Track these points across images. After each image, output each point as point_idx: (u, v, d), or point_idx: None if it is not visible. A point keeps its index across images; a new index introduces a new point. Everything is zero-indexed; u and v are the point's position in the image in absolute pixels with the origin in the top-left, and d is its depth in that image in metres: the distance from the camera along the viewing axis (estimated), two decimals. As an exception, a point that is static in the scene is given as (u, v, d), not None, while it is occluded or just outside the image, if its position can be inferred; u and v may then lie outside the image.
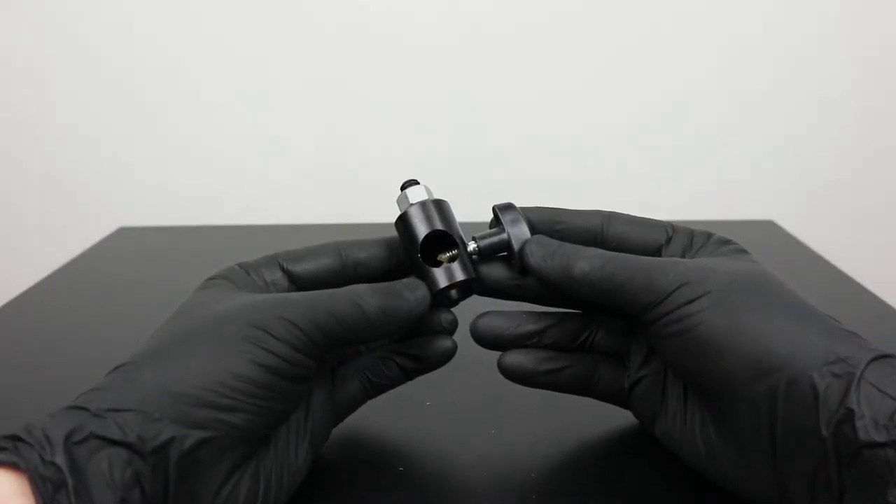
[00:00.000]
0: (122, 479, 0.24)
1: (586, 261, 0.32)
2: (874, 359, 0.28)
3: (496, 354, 0.36)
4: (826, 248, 0.67)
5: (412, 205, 0.35)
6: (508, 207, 0.36)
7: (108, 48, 0.82)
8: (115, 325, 0.52)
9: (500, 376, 0.36)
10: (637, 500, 0.34)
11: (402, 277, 0.35)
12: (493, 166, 0.85)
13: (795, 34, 0.83)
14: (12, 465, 0.23)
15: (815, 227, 0.81)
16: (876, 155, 0.87)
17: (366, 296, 0.31)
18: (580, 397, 0.37)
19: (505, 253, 0.35)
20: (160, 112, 0.84)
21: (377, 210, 0.81)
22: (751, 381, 0.29)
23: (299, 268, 0.35)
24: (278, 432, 0.31)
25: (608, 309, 0.34)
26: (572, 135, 0.85)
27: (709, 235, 0.36)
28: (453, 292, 0.35)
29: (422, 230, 0.34)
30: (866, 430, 0.26)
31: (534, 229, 0.35)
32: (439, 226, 0.34)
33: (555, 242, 0.34)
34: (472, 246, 0.35)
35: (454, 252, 0.35)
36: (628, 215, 0.37)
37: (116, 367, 0.28)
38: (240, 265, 0.34)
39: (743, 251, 0.35)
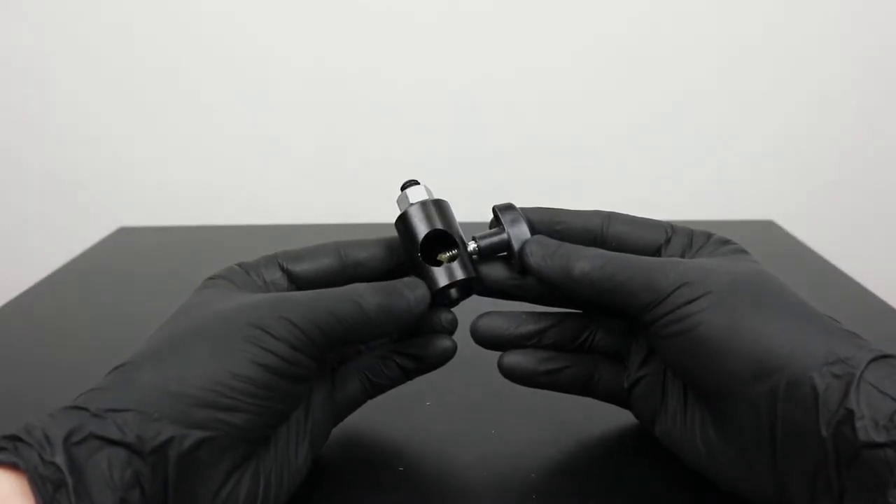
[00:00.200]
0: (122, 479, 0.24)
1: (586, 261, 0.32)
2: (874, 359, 0.28)
3: (496, 354, 0.36)
4: (826, 248, 0.67)
5: (412, 204, 0.35)
6: (508, 208, 0.36)
7: (108, 48, 0.82)
8: (114, 325, 0.52)
9: (501, 376, 0.36)
10: (637, 500, 0.33)
11: (402, 277, 0.35)
12: (493, 166, 0.85)
13: (795, 34, 0.83)
14: (12, 466, 0.23)
15: (815, 227, 0.81)
16: (876, 155, 0.87)
17: (365, 294, 0.31)
18: (580, 397, 0.37)
19: (505, 253, 0.35)
20: (160, 112, 0.84)
21: (377, 210, 0.81)
22: (751, 382, 0.29)
23: (299, 268, 0.35)
24: (278, 432, 0.31)
25: (608, 309, 0.34)
26: (572, 135, 0.85)
27: (708, 235, 0.36)
28: (453, 291, 0.35)
29: (422, 229, 0.34)
30: (866, 430, 0.26)
31: (534, 229, 0.35)
32: (439, 225, 0.34)
33: (554, 242, 0.34)
34: (471, 246, 0.35)
35: (454, 252, 0.35)
36: (628, 215, 0.37)
37: (116, 368, 0.28)
38: (239, 265, 0.34)
39: (743, 251, 0.35)
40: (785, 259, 0.63)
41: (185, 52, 0.82)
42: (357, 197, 0.87)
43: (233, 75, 0.83)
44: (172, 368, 0.27)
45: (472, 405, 0.41)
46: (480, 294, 0.36)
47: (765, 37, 0.83)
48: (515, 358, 0.36)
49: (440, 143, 0.85)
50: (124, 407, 0.26)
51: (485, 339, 0.36)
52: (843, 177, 0.87)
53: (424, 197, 0.35)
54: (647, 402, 0.36)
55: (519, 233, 0.35)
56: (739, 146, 0.86)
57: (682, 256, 0.35)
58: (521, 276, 0.35)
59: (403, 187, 0.36)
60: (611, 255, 0.33)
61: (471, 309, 0.36)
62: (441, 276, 0.34)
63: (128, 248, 0.69)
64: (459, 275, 0.34)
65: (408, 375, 0.36)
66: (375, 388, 0.36)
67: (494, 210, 0.36)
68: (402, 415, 0.40)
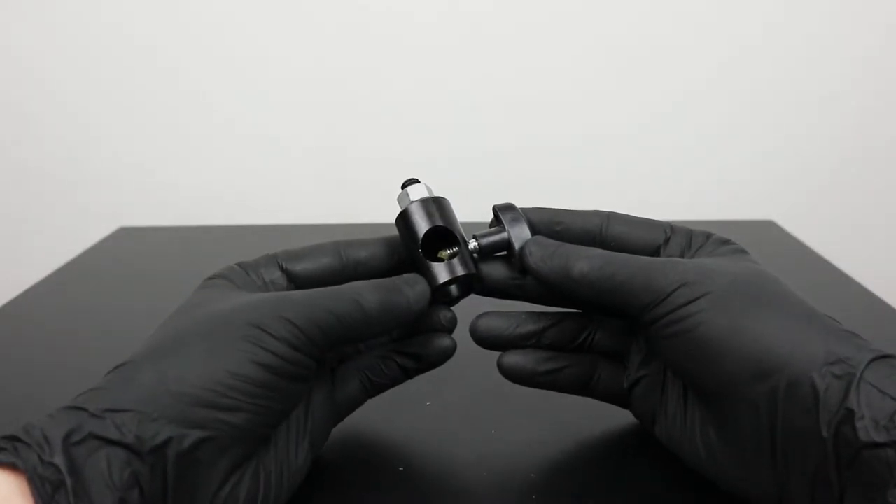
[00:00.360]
0: (121, 480, 0.24)
1: (585, 261, 0.32)
2: (874, 359, 0.28)
3: (496, 354, 0.36)
4: (826, 248, 0.67)
5: (413, 202, 0.35)
6: (509, 207, 0.36)
7: (108, 48, 0.82)
8: (114, 325, 0.52)
9: (501, 376, 0.36)
10: (637, 500, 0.33)
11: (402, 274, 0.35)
12: (493, 166, 0.85)
13: (795, 34, 0.83)
14: (11, 466, 0.23)
15: (815, 227, 0.81)
16: (876, 155, 0.87)
17: (365, 292, 0.31)
18: (580, 397, 0.37)
19: (504, 252, 0.35)
20: (160, 112, 0.84)
21: (377, 210, 0.81)
22: (751, 382, 0.29)
23: (298, 267, 0.35)
24: (278, 432, 0.31)
25: (608, 309, 0.34)
26: (572, 135, 0.85)
27: (707, 235, 0.36)
28: (453, 289, 0.35)
29: (423, 226, 0.34)
30: (866, 430, 0.26)
31: (534, 230, 0.35)
32: (440, 222, 0.34)
33: (554, 243, 0.34)
34: (472, 244, 0.35)
35: (455, 249, 0.35)
36: (627, 215, 0.36)
37: (115, 368, 0.28)
38: (239, 265, 0.34)
39: (742, 251, 0.35)
40: (785, 259, 0.63)
41: (185, 53, 0.82)
42: (357, 197, 0.87)
43: (233, 75, 0.83)
44: (172, 368, 0.27)
45: (472, 405, 0.41)
46: (480, 294, 0.36)
47: (765, 37, 0.83)
48: (515, 358, 0.36)
49: (440, 143, 0.85)
50: (123, 407, 0.26)
51: (484, 340, 0.36)
52: (843, 177, 0.87)
53: (425, 195, 0.35)
54: (647, 402, 0.36)
55: (519, 232, 0.35)
56: (739, 146, 0.86)
57: (681, 256, 0.35)
58: (521, 275, 0.35)
59: (404, 185, 0.36)
60: (610, 256, 0.33)
61: (470, 309, 0.36)
62: (442, 272, 0.34)
63: (128, 248, 0.69)
64: (460, 271, 0.34)
65: (408, 374, 0.36)
66: (375, 388, 0.36)
67: (495, 209, 0.36)
68: (402, 415, 0.40)
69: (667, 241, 0.35)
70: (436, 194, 0.36)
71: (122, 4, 0.81)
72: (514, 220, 0.35)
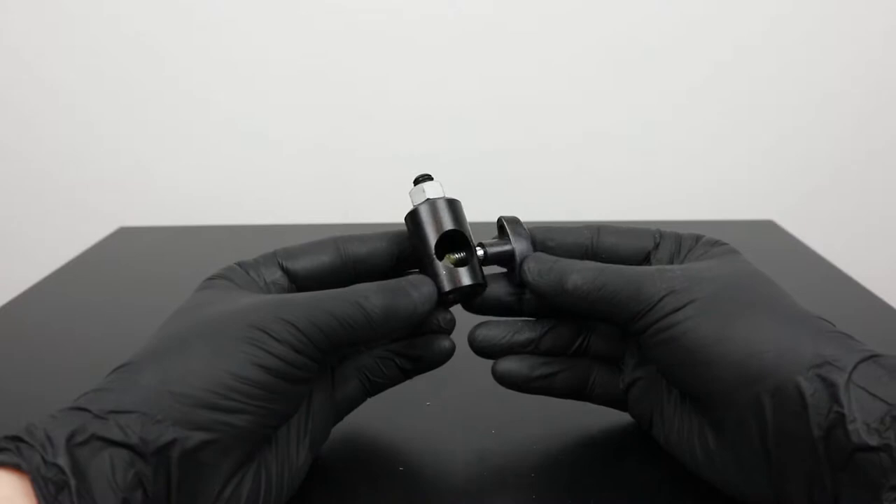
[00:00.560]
0: (125, 481, 0.24)
1: (578, 274, 0.33)
2: (862, 360, 0.27)
3: (496, 355, 0.36)
4: (826, 248, 0.67)
5: (430, 199, 0.34)
6: (515, 221, 0.36)
7: (108, 49, 0.82)
8: (115, 325, 0.52)
9: (500, 376, 0.36)
10: (637, 500, 0.34)
11: (403, 271, 0.35)
12: (492, 166, 0.85)
13: (795, 34, 0.83)
14: (14, 467, 0.23)
15: (815, 227, 0.81)
16: (876, 155, 0.87)
17: (370, 295, 0.31)
18: (580, 397, 0.37)
19: (506, 265, 0.36)
20: (160, 112, 0.84)
21: (377, 210, 0.82)
22: (739, 388, 0.29)
23: (298, 266, 0.34)
24: (279, 432, 0.31)
25: (603, 321, 0.35)
26: (572, 135, 0.85)
27: (697, 238, 0.36)
28: (456, 294, 0.35)
29: (439, 228, 0.34)
30: (858, 433, 0.26)
31: (535, 247, 0.36)
32: (456, 226, 0.34)
33: (551, 258, 0.34)
34: (479, 252, 0.35)
35: (463, 255, 0.34)
36: (616, 226, 0.37)
37: (117, 368, 0.28)
38: (239, 264, 0.34)
39: (733, 251, 0.35)
40: (785, 259, 0.63)
41: (185, 54, 0.82)
42: (357, 197, 0.87)
43: (233, 76, 0.83)
44: (174, 370, 0.27)
45: (472, 405, 0.41)
46: (480, 312, 0.36)
47: (765, 36, 0.83)
48: (508, 365, 0.36)
49: (440, 143, 0.85)
50: (127, 409, 0.26)
51: (482, 350, 0.36)
52: (844, 176, 0.87)
53: (441, 194, 0.35)
54: (644, 404, 0.36)
55: (523, 248, 0.35)
56: (739, 146, 0.86)
57: (672, 261, 0.35)
58: (518, 290, 0.36)
59: (417, 181, 0.35)
60: (602, 268, 0.33)
61: (468, 313, 0.37)
62: (452, 278, 0.33)
63: (128, 248, 0.69)
64: (470, 280, 0.34)
65: (407, 375, 0.36)
66: (375, 387, 0.36)
67: (501, 221, 0.36)
68: (401, 415, 0.40)
69: (656, 246, 0.36)
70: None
71: (122, 5, 0.81)
72: (519, 235, 0.35)
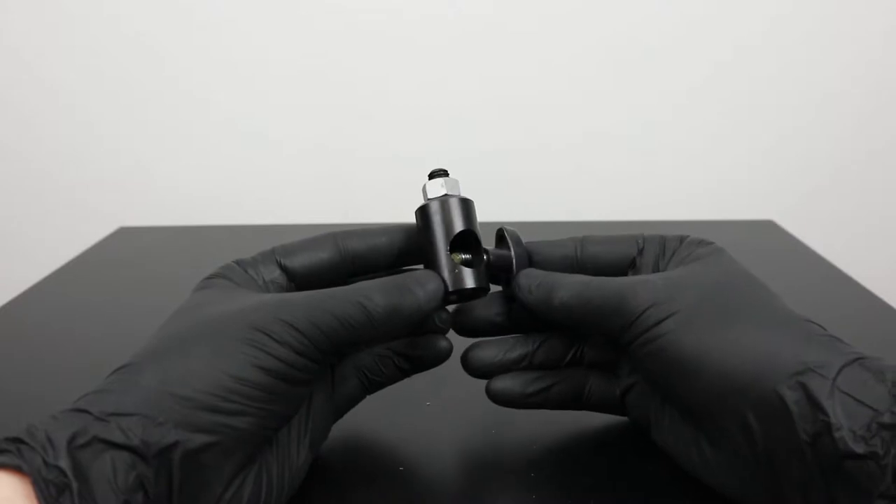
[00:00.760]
0: (126, 483, 0.24)
1: (565, 290, 0.33)
2: (846, 364, 0.27)
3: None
4: (826, 248, 0.67)
5: (448, 196, 0.34)
6: (515, 233, 0.36)
7: (108, 49, 0.82)
8: (115, 325, 0.52)
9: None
10: (637, 500, 0.34)
11: (403, 266, 0.35)
12: (492, 166, 0.85)
13: (796, 34, 0.83)
14: (15, 468, 0.23)
15: (815, 227, 0.81)
16: (876, 155, 0.87)
17: (372, 295, 0.30)
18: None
19: (501, 274, 0.36)
20: (160, 112, 0.84)
21: (377, 210, 0.82)
22: (724, 400, 0.29)
23: (296, 262, 0.34)
24: (279, 433, 0.31)
25: (594, 333, 0.35)
26: (572, 135, 0.85)
27: (681, 238, 0.36)
28: (457, 296, 0.35)
29: (456, 226, 0.33)
30: (845, 441, 0.26)
31: (531, 262, 0.36)
32: (472, 227, 0.34)
33: (541, 273, 0.34)
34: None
35: (469, 256, 0.34)
36: (599, 236, 0.37)
37: (118, 369, 0.28)
38: (237, 262, 0.34)
39: (718, 251, 0.34)
40: (785, 259, 0.63)
41: (185, 54, 0.82)
42: (357, 197, 0.87)
43: (233, 76, 0.83)
44: (174, 371, 0.27)
45: (472, 405, 0.41)
46: (470, 334, 0.36)
47: (765, 36, 0.83)
48: (502, 383, 0.36)
49: (440, 143, 0.85)
50: (128, 411, 0.26)
51: (477, 371, 0.36)
52: (844, 176, 0.87)
53: (458, 191, 0.35)
54: (641, 408, 0.36)
55: (521, 261, 0.35)
56: (739, 146, 0.86)
57: (657, 264, 0.35)
58: (507, 304, 0.36)
59: (434, 175, 0.35)
60: (588, 281, 0.33)
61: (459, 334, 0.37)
62: (460, 278, 0.33)
63: (128, 248, 0.69)
64: (476, 283, 0.33)
65: (405, 374, 0.36)
66: (374, 385, 0.36)
67: (502, 232, 0.36)
68: (401, 415, 0.40)
69: (640, 251, 0.36)
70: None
71: (122, 5, 0.81)
72: (518, 246, 0.35)
